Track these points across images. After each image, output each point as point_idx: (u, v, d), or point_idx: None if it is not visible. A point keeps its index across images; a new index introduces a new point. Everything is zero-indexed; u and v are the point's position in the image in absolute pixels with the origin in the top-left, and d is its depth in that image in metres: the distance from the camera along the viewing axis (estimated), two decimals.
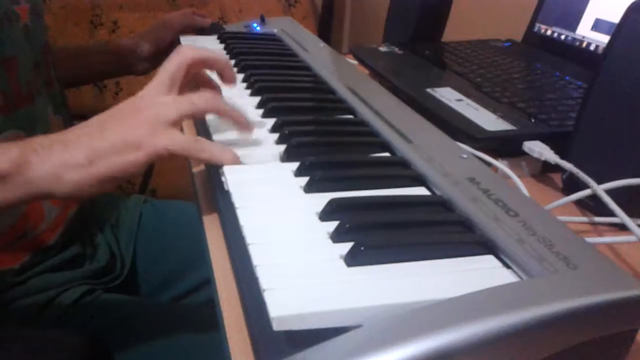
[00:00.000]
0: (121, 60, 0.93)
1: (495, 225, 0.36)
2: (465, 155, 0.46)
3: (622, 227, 0.47)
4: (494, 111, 0.63)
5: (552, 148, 0.55)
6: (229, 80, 0.54)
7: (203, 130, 0.54)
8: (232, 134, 0.50)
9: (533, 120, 0.61)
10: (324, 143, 0.50)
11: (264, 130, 0.52)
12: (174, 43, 0.91)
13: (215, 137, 0.50)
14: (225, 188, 0.42)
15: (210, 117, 0.53)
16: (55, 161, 0.42)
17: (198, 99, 0.47)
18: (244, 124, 0.49)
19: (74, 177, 0.43)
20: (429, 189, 0.43)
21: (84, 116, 0.50)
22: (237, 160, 0.45)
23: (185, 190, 0.66)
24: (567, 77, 0.75)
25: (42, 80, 0.72)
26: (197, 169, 0.55)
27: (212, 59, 0.52)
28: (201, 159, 0.46)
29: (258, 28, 0.93)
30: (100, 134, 0.44)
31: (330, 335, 0.26)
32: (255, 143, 0.50)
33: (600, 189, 0.47)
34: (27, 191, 0.43)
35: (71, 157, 0.42)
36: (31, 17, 0.70)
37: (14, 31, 0.66)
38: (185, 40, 0.85)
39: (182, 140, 0.45)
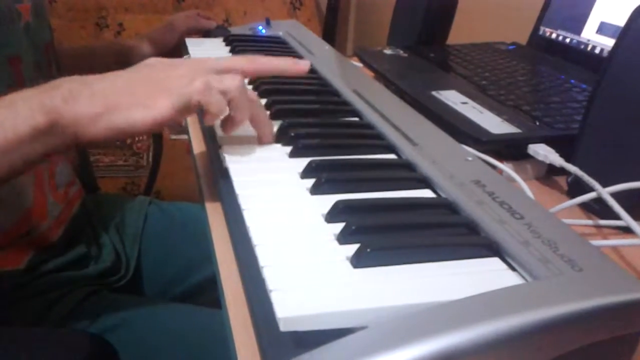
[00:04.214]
0: (124, 61, 0.93)
1: (501, 228, 0.36)
2: (470, 158, 0.46)
3: (627, 230, 0.47)
4: (499, 114, 0.63)
5: (557, 151, 0.55)
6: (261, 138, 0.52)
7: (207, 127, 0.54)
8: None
9: (538, 123, 0.61)
10: (330, 145, 0.51)
11: None
12: (179, 45, 0.92)
13: (219, 132, 0.51)
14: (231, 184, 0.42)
15: None
16: (80, 112, 0.45)
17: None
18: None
19: (93, 129, 0.45)
20: (434, 191, 0.43)
21: None
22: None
23: (191, 192, 0.67)
24: (572, 80, 0.75)
25: (43, 80, 0.72)
26: (203, 170, 0.55)
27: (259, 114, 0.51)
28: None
29: (263, 31, 0.94)
30: (125, 90, 0.47)
31: (336, 337, 0.26)
32: (261, 145, 0.50)
33: (605, 192, 0.47)
34: (58, 140, 0.46)
35: (93, 109, 0.45)
36: (33, 16, 0.71)
37: (16, 29, 0.66)
38: (191, 42, 0.85)
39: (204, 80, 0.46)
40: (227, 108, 0.47)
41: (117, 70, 0.49)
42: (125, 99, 0.46)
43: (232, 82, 0.47)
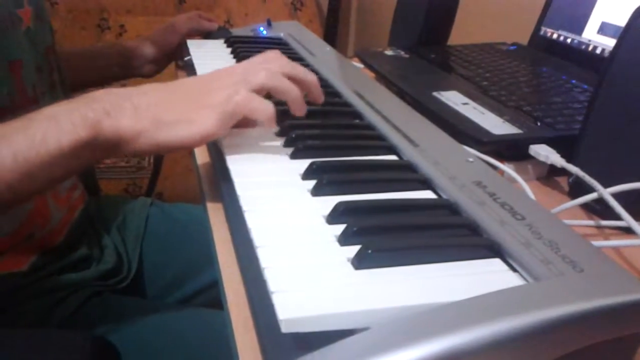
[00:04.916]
0: (126, 62, 0.93)
1: (502, 229, 0.36)
2: (471, 159, 0.46)
3: (628, 231, 0.47)
4: (500, 115, 0.63)
5: (558, 151, 0.55)
6: (314, 98, 0.54)
7: None
8: (238, 134, 0.51)
9: (539, 124, 0.61)
10: (331, 146, 0.51)
11: (271, 133, 0.52)
12: (181, 46, 0.92)
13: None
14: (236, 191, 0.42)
15: None
16: (124, 125, 0.45)
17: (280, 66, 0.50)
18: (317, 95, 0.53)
19: (137, 143, 0.45)
20: (435, 192, 0.43)
21: None
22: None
23: (192, 193, 0.67)
24: (573, 81, 0.75)
25: (45, 84, 0.72)
26: (204, 171, 0.55)
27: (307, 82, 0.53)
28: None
29: (264, 32, 0.94)
30: (167, 105, 0.46)
31: (337, 338, 0.26)
32: (263, 146, 0.50)
33: (607, 193, 0.47)
34: (99, 154, 0.46)
35: (138, 123, 0.45)
36: (34, 20, 0.71)
37: (17, 34, 0.66)
38: (192, 43, 0.85)
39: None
40: (274, 110, 0.48)
41: (154, 84, 0.49)
42: (169, 115, 0.46)
43: (261, 75, 0.48)
